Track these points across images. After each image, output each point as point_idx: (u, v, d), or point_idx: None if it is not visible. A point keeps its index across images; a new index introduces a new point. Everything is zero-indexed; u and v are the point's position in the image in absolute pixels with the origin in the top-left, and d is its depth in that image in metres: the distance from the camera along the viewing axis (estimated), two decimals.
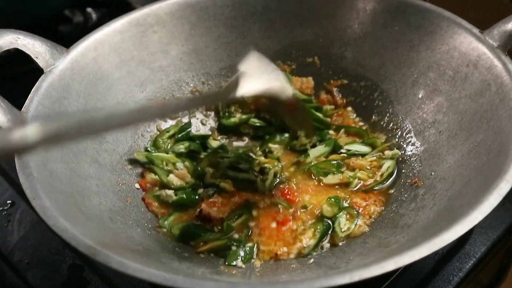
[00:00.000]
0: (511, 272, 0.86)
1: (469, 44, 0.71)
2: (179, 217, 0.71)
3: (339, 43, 0.86)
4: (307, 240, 0.67)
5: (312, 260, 0.64)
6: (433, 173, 0.69)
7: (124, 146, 0.78)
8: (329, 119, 0.84)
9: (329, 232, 0.67)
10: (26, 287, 0.69)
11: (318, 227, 0.67)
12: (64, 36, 1.16)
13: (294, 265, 0.64)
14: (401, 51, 0.80)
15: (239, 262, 0.64)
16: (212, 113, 0.88)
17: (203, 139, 0.82)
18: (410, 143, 0.76)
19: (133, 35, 0.81)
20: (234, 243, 0.66)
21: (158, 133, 0.83)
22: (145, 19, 0.82)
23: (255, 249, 0.66)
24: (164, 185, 0.75)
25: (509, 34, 0.68)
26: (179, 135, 0.82)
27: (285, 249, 0.66)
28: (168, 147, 0.81)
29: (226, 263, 0.64)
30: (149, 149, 0.80)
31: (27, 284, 0.69)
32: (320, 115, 0.83)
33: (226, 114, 0.85)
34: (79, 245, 0.51)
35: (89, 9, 1.21)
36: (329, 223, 0.68)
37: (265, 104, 0.85)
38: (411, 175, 0.73)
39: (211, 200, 0.72)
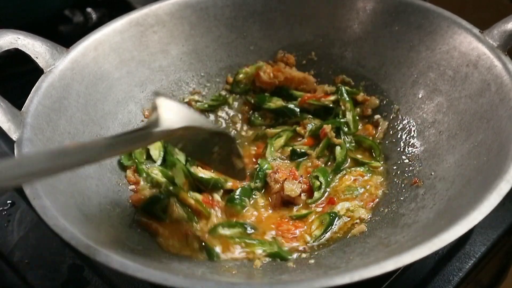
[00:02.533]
0: (511, 272, 0.86)
1: (469, 44, 0.71)
2: None
3: (339, 43, 0.86)
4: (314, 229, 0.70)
5: (312, 260, 0.64)
6: (433, 173, 0.69)
7: None
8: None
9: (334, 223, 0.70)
10: (26, 287, 0.69)
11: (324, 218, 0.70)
12: (64, 36, 1.16)
13: (294, 265, 0.64)
14: (401, 51, 0.80)
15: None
16: None
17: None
18: (410, 143, 0.76)
19: (133, 35, 0.81)
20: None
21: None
22: (145, 19, 0.82)
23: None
24: None
25: (509, 34, 0.68)
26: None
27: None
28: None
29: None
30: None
31: (27, 284, 0.69)
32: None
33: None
34: (79, 245, 0.51)
35: (89, 9, 1.21)
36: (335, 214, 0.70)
37: (270, 83, 0.86)
38: (411, 175, 0.73)
39: None
